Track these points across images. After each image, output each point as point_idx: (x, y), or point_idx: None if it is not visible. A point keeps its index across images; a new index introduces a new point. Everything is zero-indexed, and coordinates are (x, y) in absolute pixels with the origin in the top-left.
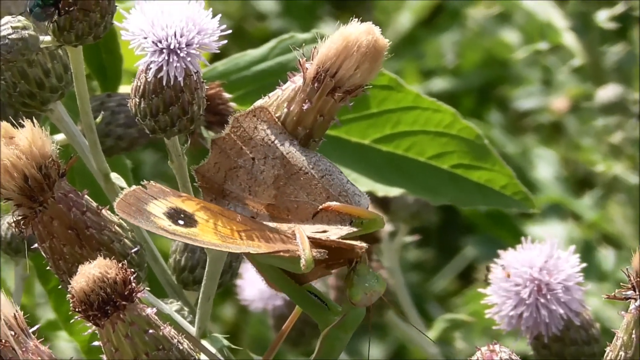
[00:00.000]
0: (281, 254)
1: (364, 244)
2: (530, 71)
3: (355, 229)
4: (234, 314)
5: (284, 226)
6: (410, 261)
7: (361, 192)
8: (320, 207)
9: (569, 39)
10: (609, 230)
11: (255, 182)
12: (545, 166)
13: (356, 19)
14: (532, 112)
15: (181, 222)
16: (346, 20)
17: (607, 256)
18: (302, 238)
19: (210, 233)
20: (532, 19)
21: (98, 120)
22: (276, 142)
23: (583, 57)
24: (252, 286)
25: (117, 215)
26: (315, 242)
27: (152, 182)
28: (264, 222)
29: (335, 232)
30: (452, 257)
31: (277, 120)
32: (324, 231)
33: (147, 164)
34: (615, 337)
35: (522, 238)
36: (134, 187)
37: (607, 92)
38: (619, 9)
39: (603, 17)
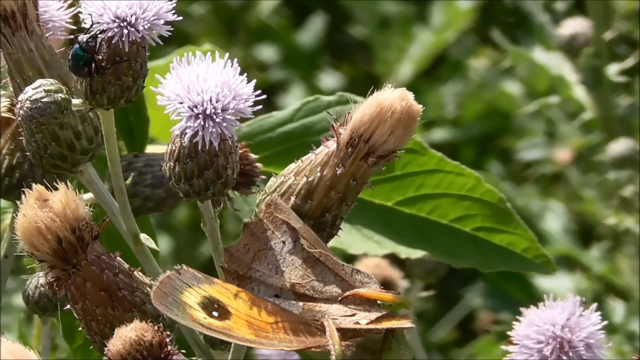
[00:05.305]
0: (312, 349)
1: (411, 324)
2: (533, 123)
3: (383, 312)
4: None
5: (312, 309)
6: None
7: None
8: (348, 293)
9: (579, 93)
10: (617, 283)
11: (283, 263)
12: (554, 218)
13: (389, 86)
14: (534, 164)
15: (215, 313)
16: (346, 69)
17: (616, 308)
18: (332, 332)
19: (244, 326)
20: (535, 71)
21: (128, 182)
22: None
23: (593, 111)
24: None
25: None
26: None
27: (184, 266)
28: (291, 305)
29: (363, 316)
30: (452, 307)
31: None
32: (353, 314)
33: (153, 216)
34: None
35: (544, 295)
36: (168, 272)
37: (619, 146)
38: (629, 62)
39: (613, 71)
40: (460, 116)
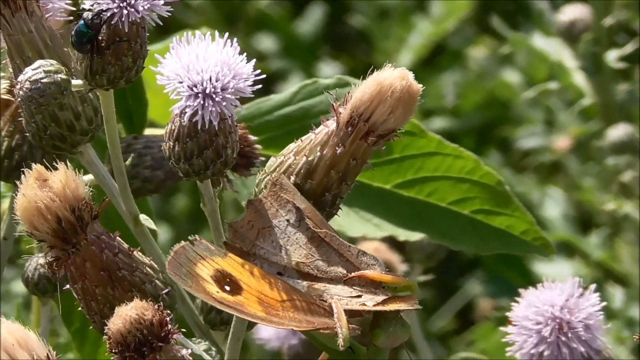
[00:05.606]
0: (320, 331)
1: (417, 305)
2: (532, 112)
3: (389, 294)
4: None
5: (317, 289)
6: None
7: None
8: (354, 274)
9: (579, 79)
10: (616, 269)
11: (287, 241)
12: (553, 205)
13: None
14: (533, 152)
15: (227, 287)
16: (345, 60)
17: (615, 295)
18: (340, 315)
19: (255, 303)
20: (534, 59)
21: (128, 162)
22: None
23: (592, 97)
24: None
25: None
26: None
27: (197, 237)
28: (296, 283)
29: (369, 297)
30: (451, 296)
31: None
32: (359, 295)
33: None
34: None
35: (544, 278)
36: (183, 243)
37: (618, 132)
38: (629, 48)
39: (612, 57)
40: (459, 106)
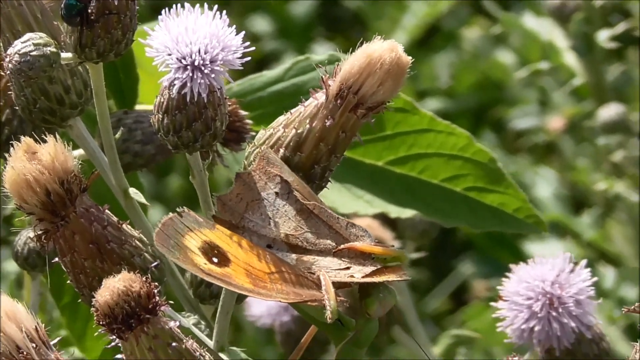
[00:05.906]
0: (308, 303)
1: (407, 276)
2: (526, 92)
3: (378, 266)
4: (228, 332)
5: (306, 262)
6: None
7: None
8: (344, 246)
9: (570, 59)
10: (608, 249)
11: (277, 214)
12: (545, 185)
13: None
14: (527, 133)
15: (215, 259)
16: (339, 41)
17: (606, 274)
18: (327, 287)
19: (243, 275)
20: (528, 40)
21: (117, 136)
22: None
23: (584, 77)
24: (259, 302)
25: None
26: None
27: (185, 208)
28: (285, 256)
29: (358, 269)
30: (445, 277)
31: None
32: (347, 267)
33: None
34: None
35: (535, 255)
36: (170, 214)
37: (609, 111)
38: (620, 28)
39: (604, 37)
40: (453, 87)
